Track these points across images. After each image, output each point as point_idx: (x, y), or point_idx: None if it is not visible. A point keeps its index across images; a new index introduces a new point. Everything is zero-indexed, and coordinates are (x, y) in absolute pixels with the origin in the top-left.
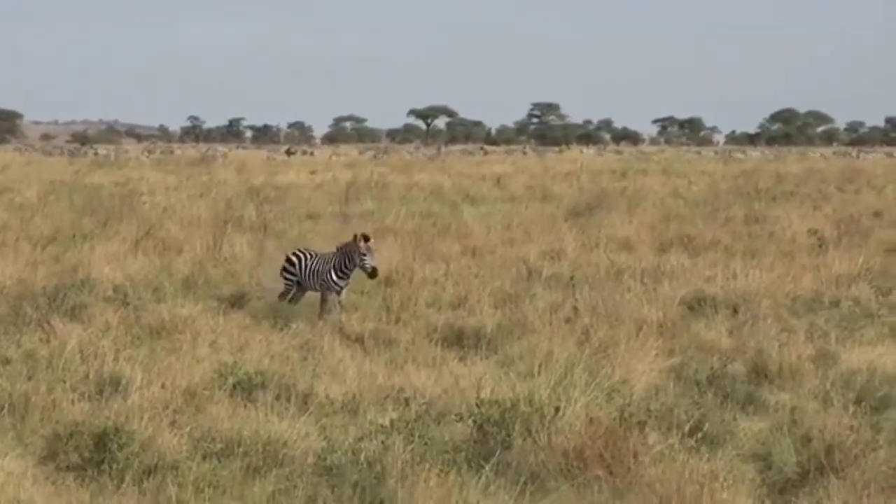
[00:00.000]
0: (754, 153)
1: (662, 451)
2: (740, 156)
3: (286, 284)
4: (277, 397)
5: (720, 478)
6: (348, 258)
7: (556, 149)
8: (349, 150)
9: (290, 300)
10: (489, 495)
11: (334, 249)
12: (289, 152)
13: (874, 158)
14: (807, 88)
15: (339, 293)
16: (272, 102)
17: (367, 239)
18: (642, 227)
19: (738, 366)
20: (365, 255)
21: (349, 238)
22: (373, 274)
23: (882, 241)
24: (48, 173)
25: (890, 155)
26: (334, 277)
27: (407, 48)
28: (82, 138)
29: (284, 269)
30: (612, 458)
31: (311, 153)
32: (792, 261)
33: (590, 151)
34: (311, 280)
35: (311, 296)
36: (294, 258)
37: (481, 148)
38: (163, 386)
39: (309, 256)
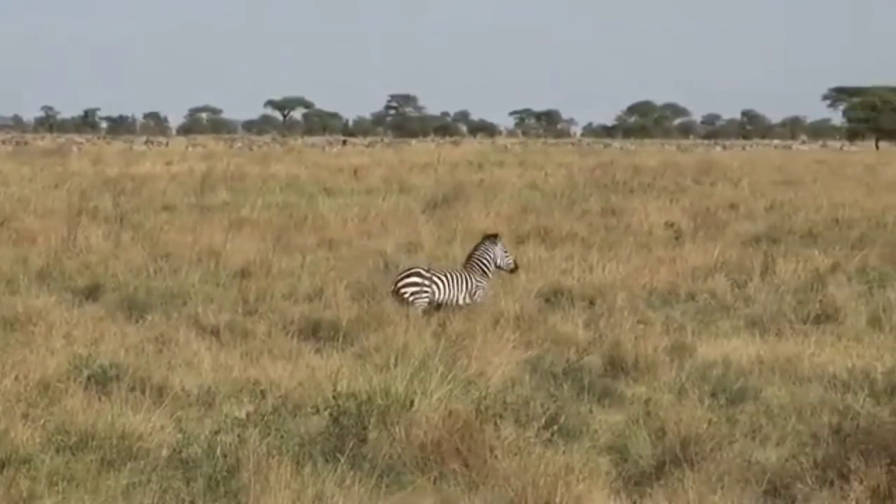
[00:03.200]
0: (616, 144)
1: (518, 444)
2: (600, 147)
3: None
4: (132, 390)
5: (576, 470)
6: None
7: (451, 140)
8: (211, 142)
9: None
10: (345, 488)
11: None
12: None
13: (732, 152)
14: (664, 81)
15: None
16: (127, 93)
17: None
18: (499, 220)
19: (594, 358)
20: (507, 253)
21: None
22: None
23: (738, 234)
24: None
25: (744, 148)
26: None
27: (262, 38)
28: None
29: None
30: (468, 450)
31: (166, 144)
32: (649, 253)
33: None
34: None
35: None
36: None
37: (344, 141)
38: (16, 378)
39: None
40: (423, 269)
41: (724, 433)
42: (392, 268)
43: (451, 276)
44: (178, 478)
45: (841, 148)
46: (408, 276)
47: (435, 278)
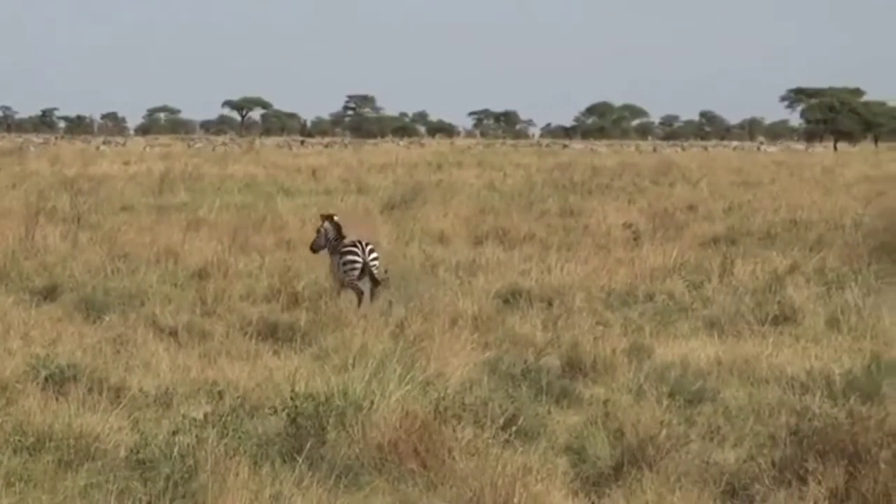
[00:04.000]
0: (578, 146)
1: (476, 445)
2: (559, 148)
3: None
4: (90, 390)
5: (534, 471)
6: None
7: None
8: (173, 142)
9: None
10: (302, 489)
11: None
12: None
13: (691, 153)
14: (622, 82)
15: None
16: (85, 93)
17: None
18: (457, 220)
19: (552, 359)
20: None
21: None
22: None
23: (696, 235)
24: None
25: (705, 148)
26: None
27: (220, 39)
28: None
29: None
30: (427, 451)
31: (123, 144)
32: (607, 254)
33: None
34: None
35: None
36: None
37: (301, 142)
38: None
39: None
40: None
41: (682, 434)
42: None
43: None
44: (135, 478)
45: (807, 149)
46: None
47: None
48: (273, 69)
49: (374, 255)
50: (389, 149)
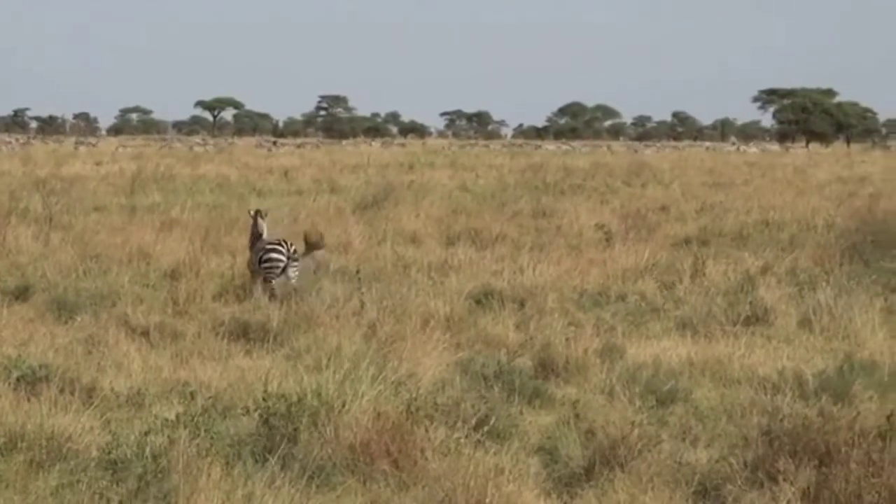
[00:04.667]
0: (550, 146)
1: (448, 445)
2: (532, 149)
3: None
4: (62, 391)
5: (506, 471)
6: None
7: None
8: (147, 143)
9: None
10: (275, 489)
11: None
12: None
13: (662, 154)
14: (594, 83)
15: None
16: (57, 93)
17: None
18: (429, 221)
19: (524, 360)
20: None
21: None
22: None
23: (668, 236)
24: None
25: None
26: None
27: (192, 39)
28: None
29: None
30: (399, 452)
31: (95, 144)
32: (579, 255)
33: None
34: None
35: None
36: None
37: (274, 142)
38: None
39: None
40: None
41: (653, 434)
42: (322, 269)
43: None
44: (107, 479)
45: (787, 150)
46: (274, 250)
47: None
48: (245, 69)
49: (297, 255)
50: (363, 150)
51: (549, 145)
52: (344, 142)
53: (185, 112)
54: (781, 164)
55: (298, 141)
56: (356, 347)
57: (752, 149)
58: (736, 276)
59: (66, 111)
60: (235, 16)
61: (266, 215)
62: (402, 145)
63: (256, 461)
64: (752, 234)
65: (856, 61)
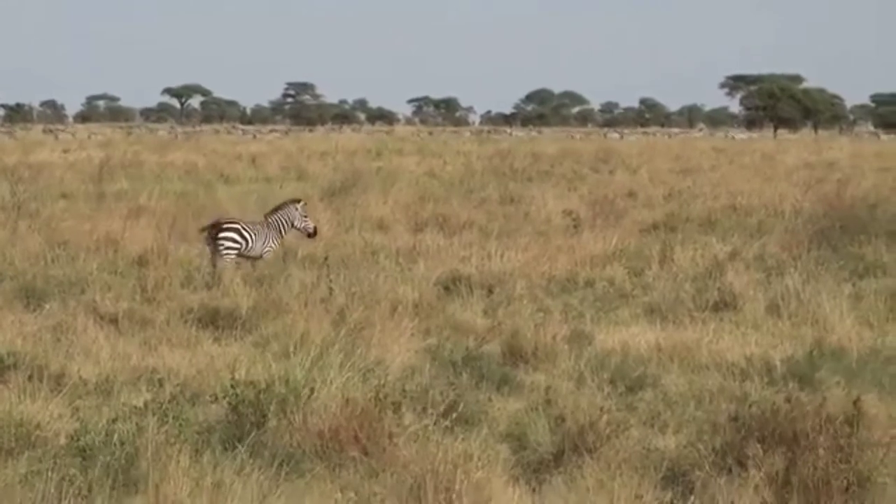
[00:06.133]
0: (519, 133)
1: (417, 432)
2: (497, 137)
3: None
4: (30, 378)
5: (475, 458)
6: (286, 221)
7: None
8: (109, 130)
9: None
10: (244, 476)
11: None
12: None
13: (634, 140)
14: (561, 69)
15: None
16: (23, 81)
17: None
18: (397, 207)
19: (493, 346)
20: (306, 217)
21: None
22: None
23: (636, 222)
24: None
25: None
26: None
27: (160, 26)
28: None
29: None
30: (368, 438)
31: (65, 130)
32: (547, 241)
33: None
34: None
35: None
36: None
37: (236, 128)
38: None
39: (249, 226)
40: (242, 226)
41: (622, 420)
42: (290, 255)
43: (258, 231)
44: (76, 466)
45: (775, 136)
46: (227, 229)
47: (247, 234)
48: (212, 57)
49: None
50: (332, 137)
51: (519, 132)
52: (315, 129)
53: (153, 99)
54: (749, 150)
55: (268, 128)
56: (325, 334)
57: (741, 134)
58: (704, 262)
59: (32, 99)
60: (203, 3)
61: (301, 204)
62: (387, 132)
63: (225, 448)
64: (720, 220)
65: (824, 48)
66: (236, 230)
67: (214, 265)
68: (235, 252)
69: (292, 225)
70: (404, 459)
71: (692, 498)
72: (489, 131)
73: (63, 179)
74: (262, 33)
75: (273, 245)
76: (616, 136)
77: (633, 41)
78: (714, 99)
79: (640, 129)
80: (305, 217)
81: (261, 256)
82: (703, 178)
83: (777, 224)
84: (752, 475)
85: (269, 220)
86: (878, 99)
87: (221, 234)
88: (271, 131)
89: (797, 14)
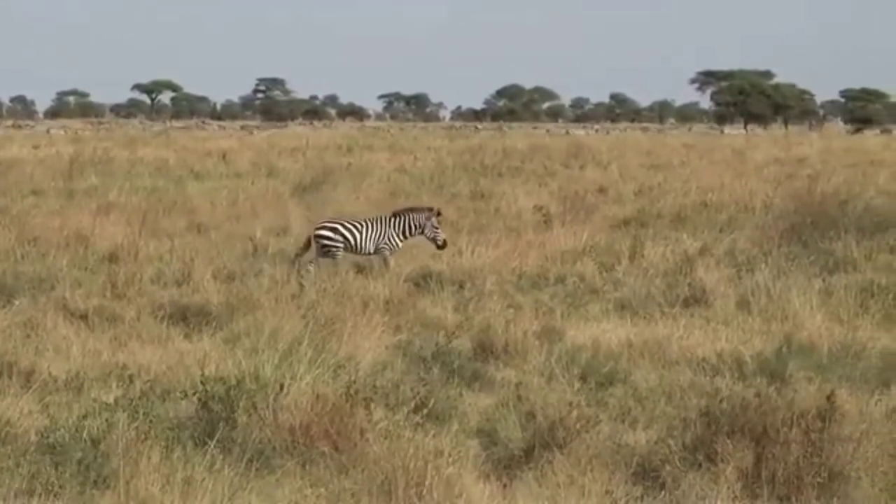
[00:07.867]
0: (491, 129)
1: (388, 428)
2: (470, 131)
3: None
4: (0, 375)
5: (445, 454)
6: (415, 226)
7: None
8: (82, 126)
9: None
10: (214, 472)
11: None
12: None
13: (601, 136)
14: (532, 64)
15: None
16: None
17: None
18: (368, 203)
19: (464, 342)
20: (437, 228)
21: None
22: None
23: (607, 217)
24: None
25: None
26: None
27: (130, 21)
28: None
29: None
30: (338, 434)
31: (19, 128)
32: (518, 237)
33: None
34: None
35: None
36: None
37: (202, 124)
38: None
39: (351, 223)
40: (342, 223)
41: (592, 416)
42: (261, 251)
43: (367, 227)
44: (46, 463)
45: (766, 130)
46: (322, 227)
47: (346, 231)
48: (183, 52)
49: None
50: (300, 132)
51: (489, 128)
52: (292, 124)
53: (123, 95)
54: (720, 146)
55: (240, 124)
56: (295, 330)
57: (735, 130)
58: (674, 257)
59: (1, 95)
60: None
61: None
62: (373, 127)
63: (196, 445)
64: (690, 216)
65: (793, 43)
66: (332, 228)
67: (318, 266)
68: (337, 249)
69: (422, 231)
70: (375, 455)
71: (663, 493)
72: (459, 126)
73: (33, 175)
74: (232, 29)
75: (391, 243)
76: (581, 132)
77: (603, 36)
78: (685, 94)
79: (610, 125)
80: (436, 228)
81: (375, 252)
82: (673, 173)
83: (747, 220)
84: (722, 470)
85: (393, 218)
86: (848, 94)
87: (317, 233)
88: (243, 127)
89: (768, 9)
